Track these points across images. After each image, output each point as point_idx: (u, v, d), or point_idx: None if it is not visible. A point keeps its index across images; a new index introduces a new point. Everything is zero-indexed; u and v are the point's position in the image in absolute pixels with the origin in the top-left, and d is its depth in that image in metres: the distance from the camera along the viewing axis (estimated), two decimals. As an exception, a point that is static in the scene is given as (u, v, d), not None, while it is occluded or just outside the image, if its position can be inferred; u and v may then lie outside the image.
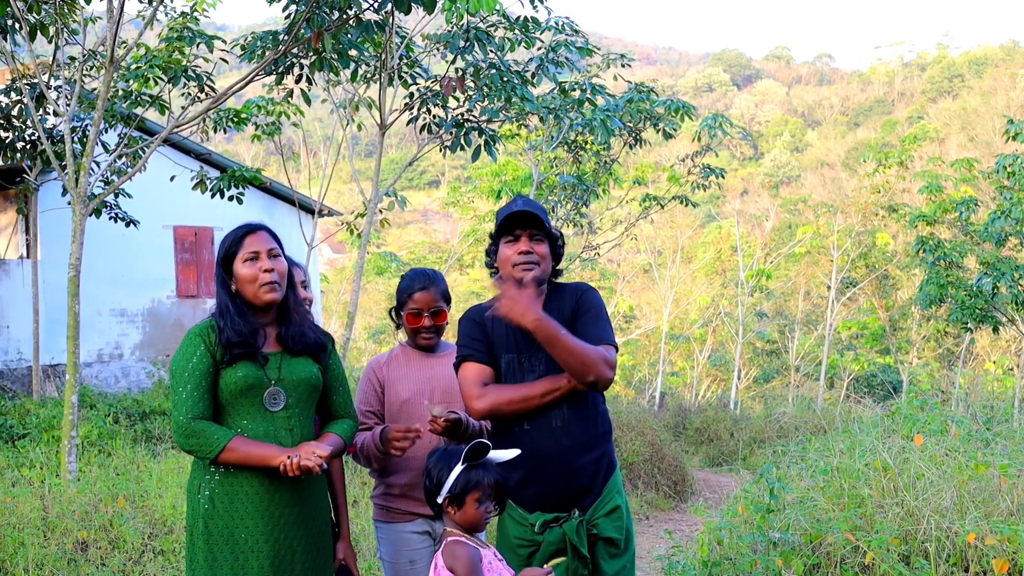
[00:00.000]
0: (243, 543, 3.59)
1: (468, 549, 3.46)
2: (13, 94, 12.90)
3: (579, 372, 3.68)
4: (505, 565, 3.59)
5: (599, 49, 13.62)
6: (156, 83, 12.11)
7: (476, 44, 11.12)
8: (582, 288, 3.97)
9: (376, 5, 9.55)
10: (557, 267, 4.02)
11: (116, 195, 13.83)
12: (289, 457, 3.49)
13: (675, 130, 17.10)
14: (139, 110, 12.49)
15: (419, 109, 12.22)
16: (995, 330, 17.35)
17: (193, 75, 11.95)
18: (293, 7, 9.84)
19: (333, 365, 3.90)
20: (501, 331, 3.96)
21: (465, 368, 3.91)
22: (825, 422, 15.68)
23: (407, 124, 12.42)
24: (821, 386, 28.53)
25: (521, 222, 3.92)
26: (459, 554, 3.44)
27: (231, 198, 13.77)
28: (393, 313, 4.50)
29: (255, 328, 3.67)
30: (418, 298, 4.35)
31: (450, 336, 4.64)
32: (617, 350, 3.87)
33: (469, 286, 38.53)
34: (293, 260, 4.35)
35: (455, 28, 11.36)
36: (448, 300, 4.47)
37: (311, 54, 10.27)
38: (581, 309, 3.88)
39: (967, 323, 17.24)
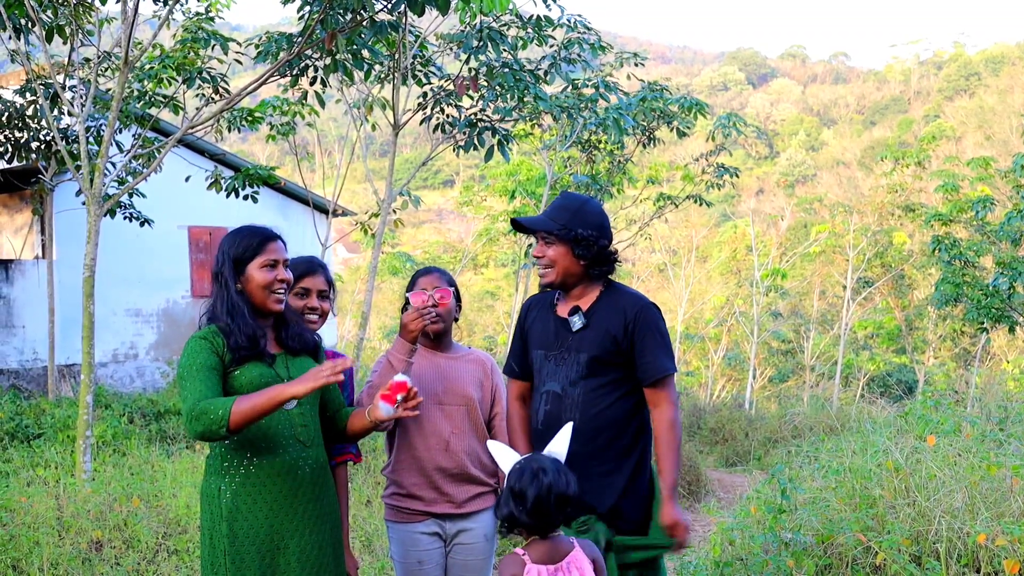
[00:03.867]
0: (269, 542, 3.62)
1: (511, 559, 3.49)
2: (28, 94, 12.95)
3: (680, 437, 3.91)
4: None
5: (611, 47, 13.61)
6: (170, 83, 12.15)
7: (490, 43, 11.13)
8: (639, 305, 3.93)
9: (389, 6, 9.56)
10: (602, 267, 3.96)
11: (130, 195, 13.87)
12: (326, 376, 3.47)
13: (689, 128, 17.08)
14: (153, 111, 12.53)
15: (433, 109, 12.23)
16: (1011, 330, 17.25)
17: (208, 76, 11.98)
18: (307, 8, 9.86)
19: (323, 359, 3.94)
20: (538, 326, 4.07)
21: (508, 384, 4.25)
22: (839, 422, 15.64)
23: (421, 124, 12.43)
24: (836, 386, 28.43)
25: (520, 228, 4.03)
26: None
27: (245, 197, 13.80)
28: (403, 312, 4.51)
29: (262, 330, 3.71)
30: (422, 282, 4.39)
31: (472, 339, 4.65)
32: (676, 370, 3.91)
33: (483, 286, 38.55)
34: (320, 262, 4.39)
35: (468, 28, 11.37)
36: (455, 288, 4.48)
37: (325, 56, 10.29)
38: (639, 331, 3.87)
39: (983, 323, 17.15)
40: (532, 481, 3.44)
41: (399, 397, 3.64)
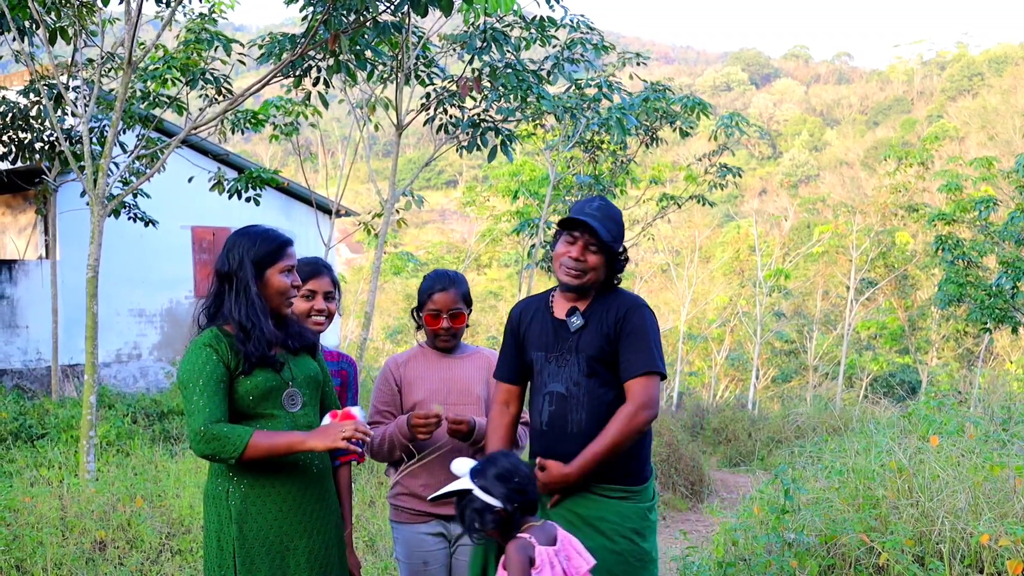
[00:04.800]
0: (279, 543, 3.64)
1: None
2: (32, 95, 12.97)
3: (633, 439, 3.78)
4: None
5: (614, 47, 13.61)
6: (174, 84, 12.15)
7: (493, 44, 11.13)
8: (631, 304, 3.91)
9: (392, 7, 9.57)
10: (618, 275, 3.99)
11: (134, 195, 13.89)
12: (345, 439, 3.50)
13: (692, 128, 17.08)
14: (157, 111, 12.54)
15: (436, 109, 12.24)
16: (1014, 330, 17.26)
17: (211, 78, 11.99)
18: (310, 9, 9.87)
19: (321, 361, 3.96)
20: (535, 329, 4.03)
21: (495, 388, 4.15)
22: (842, 422, 15.65)
23: (424, 124, 12.44)
24: (839, 386, 28.42)
25: (581, 226, 3.90)
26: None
27: (248, 199, 13.81)
28: (414, 313, 4.51)
29: (277, 337, 3.73)
30: (437, 299, 4.36)
31: (475, 339, 4.65)
32: (662, 374, 3.83)
33: (487, 286, 38.55)
34: (326, 263, 4.40)
35: (472, 28, 11.38)
36: (468, 302, 4.47)
37: (328, 56, 10.30)
38: (624, 330, 3.84)
39: (986, 323, 17.16)
40: (507, 458, 3.61)
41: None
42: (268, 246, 3.72)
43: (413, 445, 4.20)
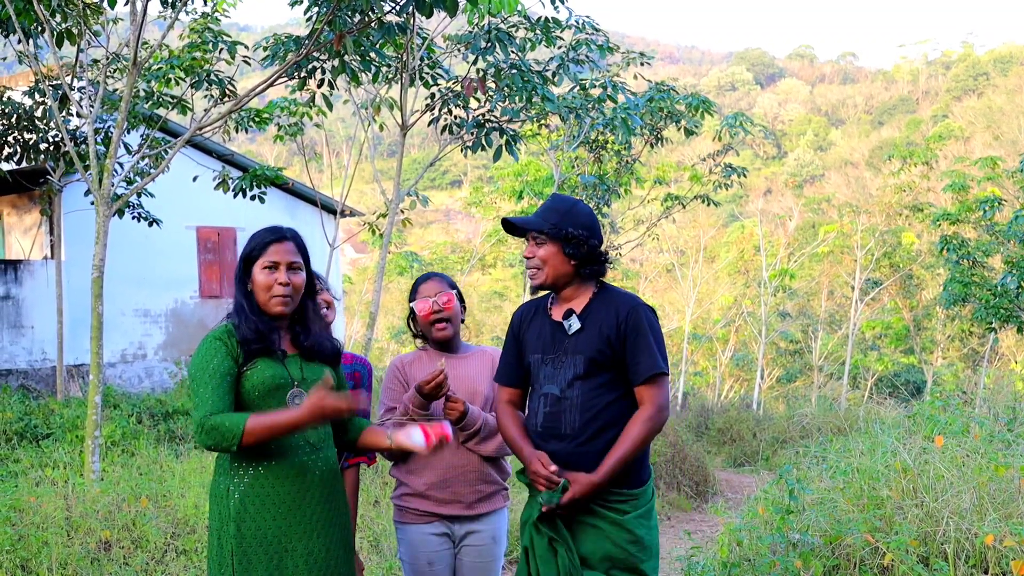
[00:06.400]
0: (276, 543, 3.61)
1: None
2: (37, 96, 12.99)
3: (650, 441, 3.83)
4: None
5: (619, 47, 13.61)
6: (178, 83, 12.17)
7: (497, 45, 11.13)
8: (631, 305, 3.87)
9: (398, 8, 9.57)
10: (592, 266, 3.92)
11: (139, 195, 13.90)
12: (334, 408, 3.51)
13: (697, 128, 17.08)
14: (161, 111, 12.55)
15: (440, 110, 12.24)
16: (1020, 330, 17.23)
17: (215, 79, 12.00)
18: (315, 10, 9.87)
19: (342, 371, 3.95)
20: (533, 332, 4.02)
21: (498, 391, 4.14)
22: (847, 423, 15.62)
23: (428, 125, 12.44)
24: (844, 386, 28.41)
25: (514, 228, 3.97)
26: None
27: (253, 197, 13.81)
28: (410, 322, 4.53)
29: (271, 327, 3.69)
30: (423, 289, 4.43)
31: (479, 339, 4.65)
32: (666, 372, 3.83)
33: (491, 286, 38.57)
34: (315, 273, 4.39)
35: (476, 29, 11.38)
36: (459, 295, 4.51)
37: (332, 57, 10.30)
38: (628, 332, 3.82)
39: (991, 323, 17.14)
40: None
41: (435, 442, 3.71)
42: (255, 242, 3.74)
43: (424, 409, 4.23)
